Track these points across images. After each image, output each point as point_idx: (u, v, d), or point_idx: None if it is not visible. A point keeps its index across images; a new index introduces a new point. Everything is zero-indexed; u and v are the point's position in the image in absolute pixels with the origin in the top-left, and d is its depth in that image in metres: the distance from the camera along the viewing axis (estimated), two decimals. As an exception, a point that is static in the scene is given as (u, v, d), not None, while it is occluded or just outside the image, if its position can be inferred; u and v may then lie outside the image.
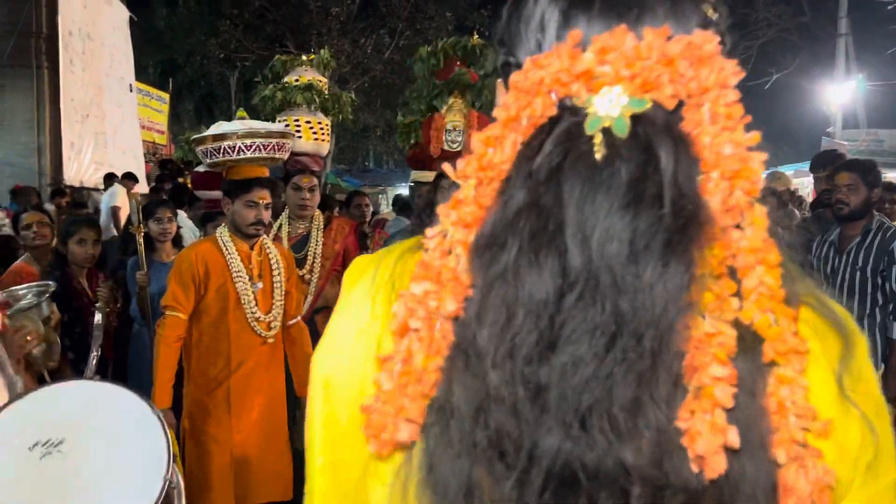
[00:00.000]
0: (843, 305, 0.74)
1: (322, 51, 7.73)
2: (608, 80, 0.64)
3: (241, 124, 3.34)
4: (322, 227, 4.06)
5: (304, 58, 7.47)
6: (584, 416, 0.61)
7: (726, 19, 0.71)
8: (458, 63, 7.68)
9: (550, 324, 0.62)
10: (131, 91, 14.56)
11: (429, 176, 7.24)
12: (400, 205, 7.80)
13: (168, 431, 1.65)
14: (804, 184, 11.40)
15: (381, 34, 20.53)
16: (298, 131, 6.35)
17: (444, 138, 7.48)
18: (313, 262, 4.00)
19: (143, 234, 4.03)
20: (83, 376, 3.30)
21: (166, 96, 18.28)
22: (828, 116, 18.60)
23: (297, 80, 6.87)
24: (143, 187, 10.52)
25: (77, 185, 11.10)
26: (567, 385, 0.61)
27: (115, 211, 8.25)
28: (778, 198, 6.01)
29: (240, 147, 3.25)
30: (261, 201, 3.17)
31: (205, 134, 3.37)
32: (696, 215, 0.62)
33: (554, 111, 0.66)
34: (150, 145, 16.51)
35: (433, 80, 7.59)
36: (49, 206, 8.53)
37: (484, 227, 0.66)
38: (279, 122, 5.61)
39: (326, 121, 6.83)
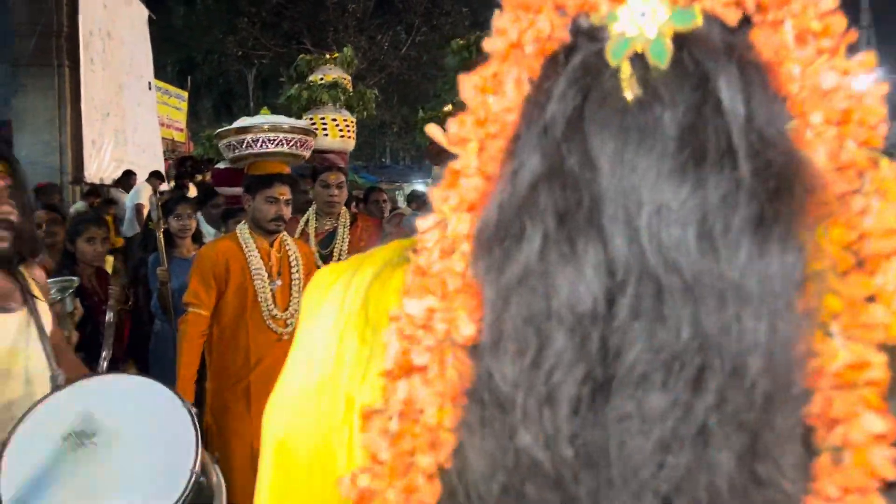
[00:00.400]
0: None
1: (345, 49, 7.76)
2: None
3: (265, 118, 3.35)
4: (348, 224, 4.09)
5: (327, 56, 7.51)
6: (670, 496, 0.41)
7: None
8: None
9: (602, 349, 0.42)
10: (150, 89, 14.66)
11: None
12: (420, 201, 7.80)
13: (198, 425, 1.66)
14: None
15: (398, 30, 20.53)
16: (325, 129, 6.39)
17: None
18: (339, 258, 4.00)
19: (163, 230, 4.05)
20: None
21: (185, 94, 18.38)
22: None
23: (321, 79, 6.91)
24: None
25: (97, 182, 11.20)
26: (636, 447, 0.41)
27: (139, 208, 8.31)
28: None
29: (263, 140, 3.26)
30: (281, 197, 3.18)
31: (228, 127, 3.39)
32: (795, 174, 0.42)
33: (565, 35, 0.47)
34: (170, 143, 16.62)
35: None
36: (81, 205, 8.62)
37: (489, 211, 0.46)
38: (306, 119, 5.65)
39: (351, 118, 6.89)
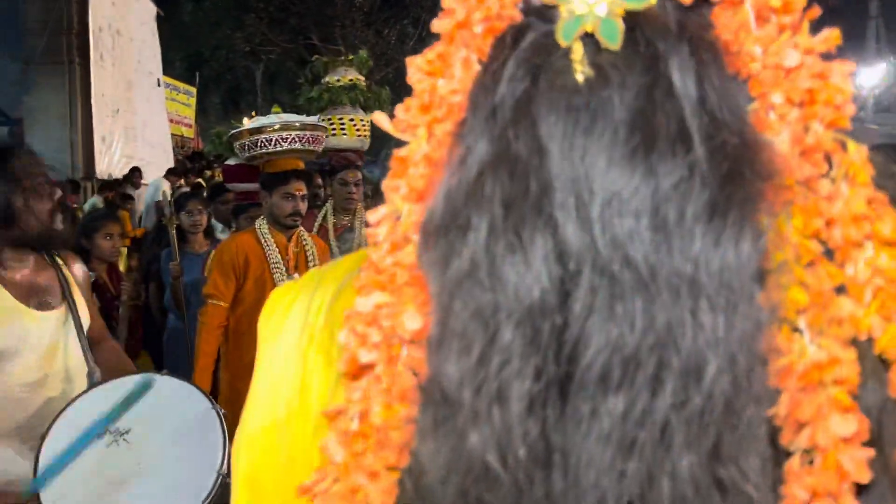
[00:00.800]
0: None
1: (361, 52, 7.85)
2: None
3: (277, 118, 3.42)
4: (365, 219, 4.17)
5: (343, 58, 7.60)
6: (633, 502, 0.39)
7: None
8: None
9: (556, 343, 0.40)
10: (159, 86, 14.73)
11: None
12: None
13: (226, 427, 1.72)
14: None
15: (405, 24, 20.53)
16: (343, 128, 6.48)
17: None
18: None
19: (175, 226, 4.11)
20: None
21: (193, 90, 18.46)
22: (858, 100, 18.35)
23: (338, 80, 7.00)
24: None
25: (107, 178, 11.30)
26: (597, 453, 0.39)
27: (159, 205, 8.38)
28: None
29: (276, 140, 3.32)
30: (297, 193, 3.25)
31: (241, 128, 3.45)
32: (749, 157, 0.40)
33: (516, 14, 0.46)
34: (179, 139, 16.70)
35: None
36: (98, 200, 8.71)
37: (435, 202, 0.44)
38: (323, 119, 5.75)
39: (367, 117, 6.98)
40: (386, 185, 0.48)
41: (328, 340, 0.51)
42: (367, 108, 7.28)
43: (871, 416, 0.40)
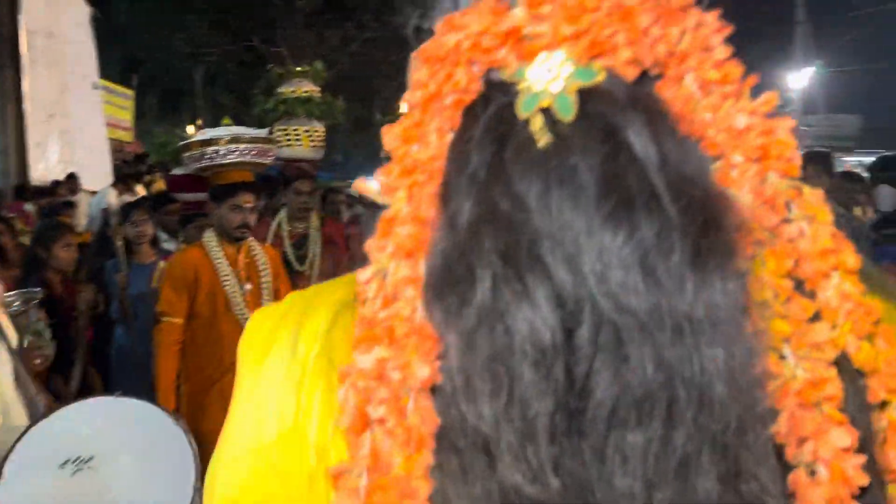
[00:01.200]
0: None
1: (315, 63, 7.87)
2: (545, 43, 0.47)
3: (227, 130, 3.43)
4: (319, 226, 4.41)
5: (297, 69, 7.60)
6: None
7: None
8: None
9: (568, 378, 0.43)
10: (95, 89, 14.35)
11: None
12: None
13: (193, 442, 1.67)
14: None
15: (348, 27, 20.42)
16: (298, 139, 6.51)
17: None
18: (313, 259, 4.37)
19: (122, 236, 4.06)
20: (69, 386, 3.33)
21: (131, 92, 18.00)
22: (786, 102, 19.04)
23: (293, 91, 6.99)
24: (99, 184, 10.33)
25: (42, 184, 10.95)
26: (625, 488, 0.42)
27: (103, 214, 8.16)
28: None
29: (225, 152, 3.33)
30: (246, 205, 3.27)
31: (191, 140, 3.45)
32: (716, 204, 0.45)
33: (482, 87, 0.50)
34: (116, 143, 16.27)
35: None
36: (30, 207, 8.43)
37: (433, 260, 0.47)
38: (279, 130, 5.78)
39: (322, 128, 7.00)
40: (370, 244, 0.51)
41: (326, 366, 0.52)
42: (322, 119, 7.32)
43: (856, 425, 0.44)
